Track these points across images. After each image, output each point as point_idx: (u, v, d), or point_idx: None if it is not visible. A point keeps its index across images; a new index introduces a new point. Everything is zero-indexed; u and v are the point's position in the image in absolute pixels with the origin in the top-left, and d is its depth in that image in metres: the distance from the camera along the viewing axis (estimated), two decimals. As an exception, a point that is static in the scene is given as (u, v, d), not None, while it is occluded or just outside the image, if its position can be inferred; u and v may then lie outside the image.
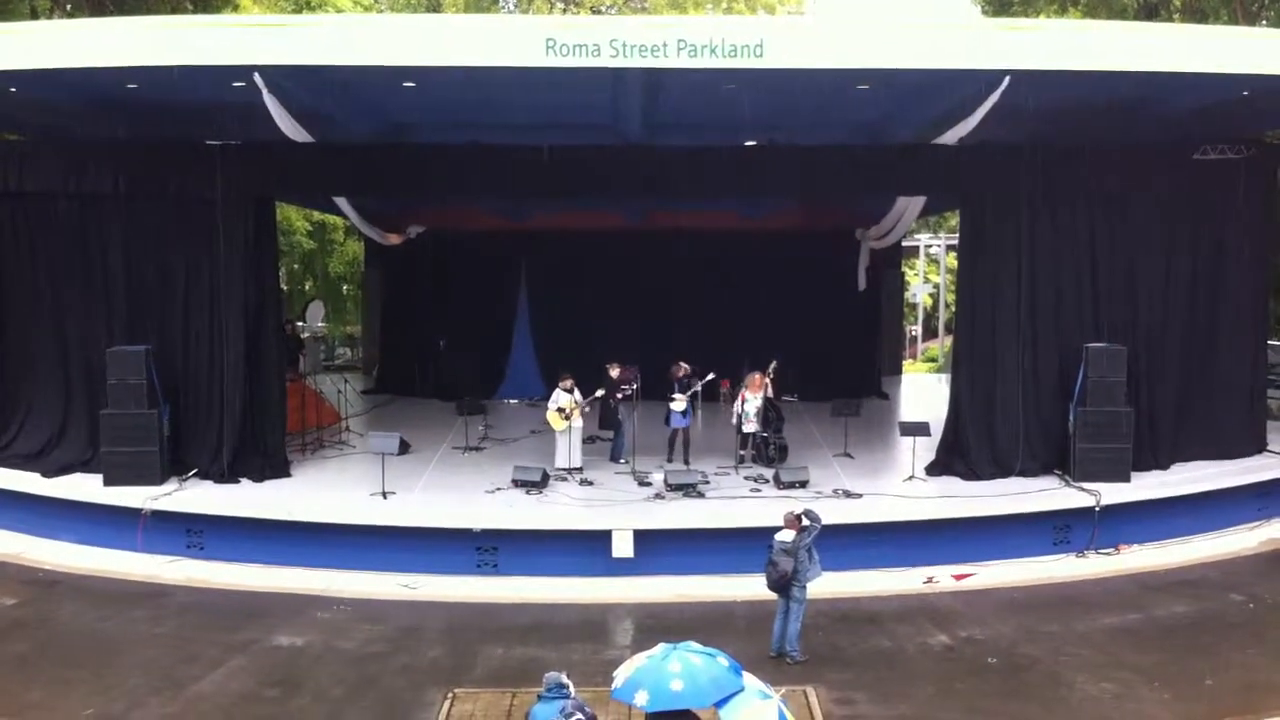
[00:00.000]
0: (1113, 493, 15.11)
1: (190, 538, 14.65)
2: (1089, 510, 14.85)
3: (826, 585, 11.78)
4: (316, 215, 31.53)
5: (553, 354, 22.67)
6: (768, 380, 16.99)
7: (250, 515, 14.55)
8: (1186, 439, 16.89)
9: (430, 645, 11.81)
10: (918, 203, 19.67)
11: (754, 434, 17.11)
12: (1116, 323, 16.50)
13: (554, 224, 23.10)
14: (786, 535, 11.04)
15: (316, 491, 15.55)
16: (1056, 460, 16.25)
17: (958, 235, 19.30)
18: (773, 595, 11.25)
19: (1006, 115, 14.18)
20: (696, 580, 13.70)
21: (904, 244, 31.36)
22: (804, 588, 11.07)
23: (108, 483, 15.24)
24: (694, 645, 7.41)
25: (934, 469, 16.45)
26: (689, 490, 15.31)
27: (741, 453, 17.14)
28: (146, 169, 15.89)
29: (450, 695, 10.33)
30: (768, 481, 15.97)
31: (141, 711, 9.95)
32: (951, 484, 15.94)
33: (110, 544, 14.77)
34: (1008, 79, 13.34)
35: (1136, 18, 25.91)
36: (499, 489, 15.57)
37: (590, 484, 15.96)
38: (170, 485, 15.34)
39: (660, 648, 7.39)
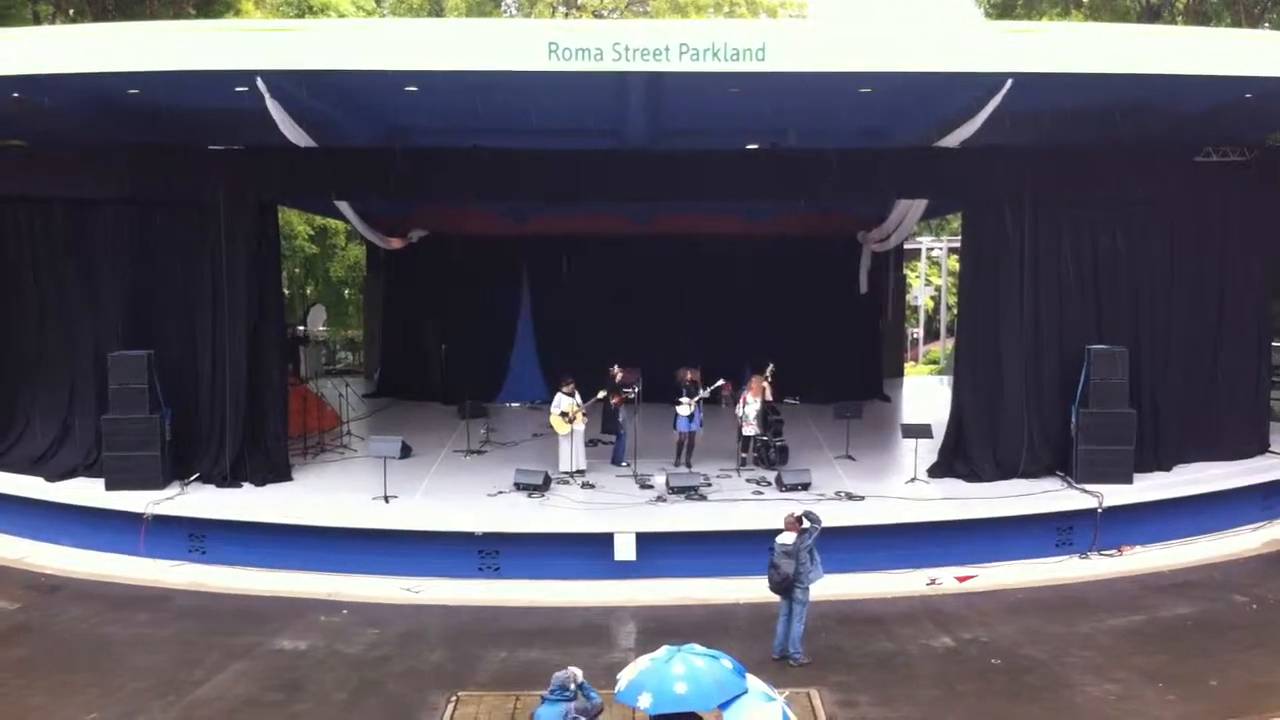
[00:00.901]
0: (1115, 494, 15.11)
1: (192, 542, 14.66)
2: (1092, 512, 14.85)
3: (829, 587, 11.79)
4: (318, 220, 31.57)
5: (554, 357, 22.72)
6: (765, 384, 17.00)
7: (252, 519, 14.57)
8: (1189, 440, 16.87)
9: (433, 649, 11.81)
10: (920, 206, 19.68)
11: (754, 437, 17.15)
12: (1119, 324, 16.49)
13: (556, 228, 23.07)
14: (787, 537, 11.04)
15: (318, 495, 15.55)
16: (1059, 462, 16.24)
17: (959, 238, 19.27)
18: (775, 597, 11.25)
19: (1009, 118, 14.18)
20: (699, 583, 13.70)
21: (906, 247, 31.41)
22: (806, 589, 11.07)
23: (110, 487, 15.24)
24: (697, 648, 7.43)
25: (936, 471, 16.45)
26: (691, 493, 15.31)
27: (744, 455, 17.15)
28: (149, 174, 15.88)
29: (454, 698, 10.34)
30: (770, 484, 15.97)
31: (144, 716, 9.95)
32: (954, 486, 15.94)
33: (112, 548, 14.80)
34: (1010, 82, 13.35)
35: (1139, 20, 25.94)
36: (501, 492, 15.57)
37: (592, 487, 15.96)
38: (172, 489, 15.35)
39: (663, 650, 7.40)
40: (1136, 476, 15.73)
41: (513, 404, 23.82)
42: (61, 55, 13.02)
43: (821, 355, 22.79)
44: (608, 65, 12.51)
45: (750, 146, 16.90)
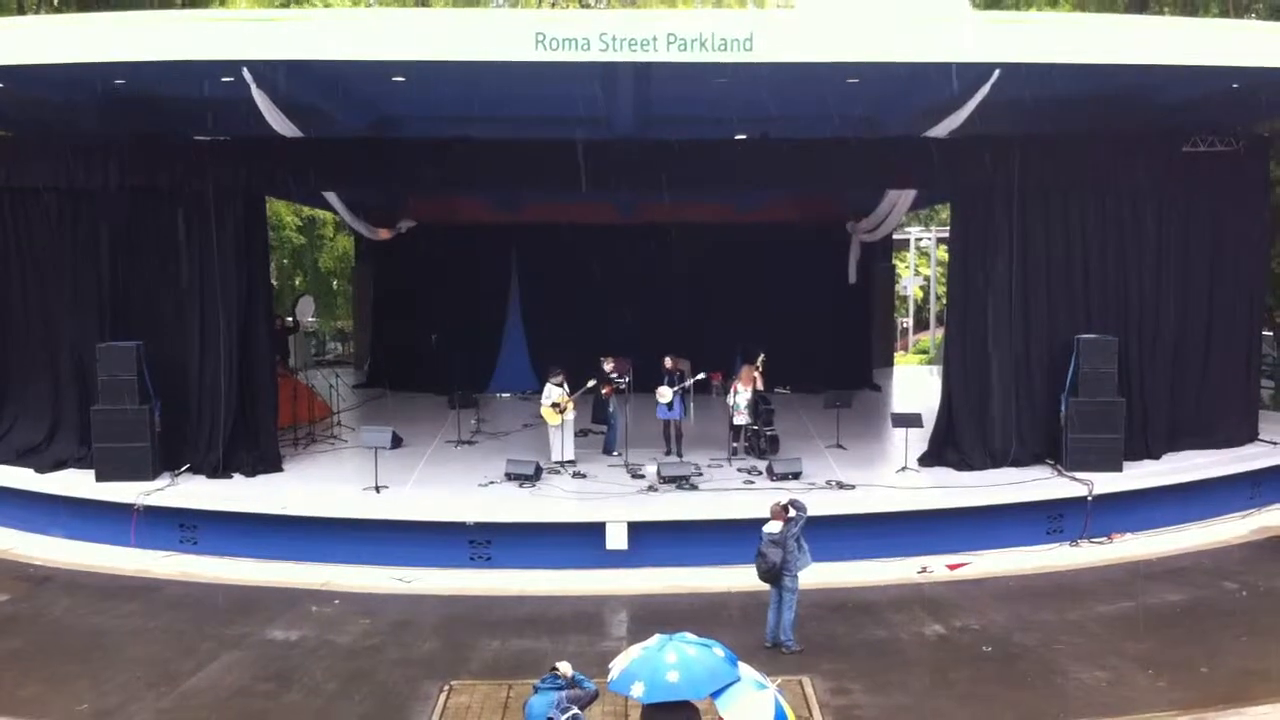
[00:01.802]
0: (1105, 482, 15.17)
1: (183, 532, 14.62)
2: (1082, 499, 14.90)
3: (821, 575, 11.82)
4: (306, 211, 31.42)
5: (545, 347, 22.72)
6: (756, 373, 17.02)
7: (243, 510, 14.55)
8: (1178, 428, 16.95)
9: (425, 638, 11.80)
10: (909, 196, 19.67)
11: (745, 426, 17.17)
12: (1108, 314, 16.53)
13: (545, 217, 22.98)
14: (774, 526, 11.07)
15: (309, 486, 15.52)
16: (1049, 450, 16.29)
17: (948, 228, 19.29)
18: (766, 586, 11.27)
19: (997, 108, 14.19)
20: (691, 571, 13.71)
21: (895, 237, 31.44)
22: (795, 577, 11.10)
23: (100, 478, 15.19)
24: (689, 636, 7.42)
25: (927, 459, 16.48)
26: (682, 482, 15.32)
27: (735, 445, 17.17)
28: (136, 164, 15.81)
29: (447, 687, 10.33)
30: (761, 473, 15.99)
31: (136, 706, 9.93)
32: (944, 474, 15.99)
33: (103, 539, 14.75)
34: (998, 72, 13.37)
35: (1127, 10, 25.87)
36: (492, 482, 15.57)
37: (583, 476, 15.95)
38: (163, 480, 15.34)
39: (656, 639, 7.39)
40: (1126, 464, 15.81)
41: (503, 394, 23.80)
42: (46, 46, 12.91)
43: (811, 345, 22.81)
44: (595, 55, 12.47)
45: (739, 136, 16.89)
